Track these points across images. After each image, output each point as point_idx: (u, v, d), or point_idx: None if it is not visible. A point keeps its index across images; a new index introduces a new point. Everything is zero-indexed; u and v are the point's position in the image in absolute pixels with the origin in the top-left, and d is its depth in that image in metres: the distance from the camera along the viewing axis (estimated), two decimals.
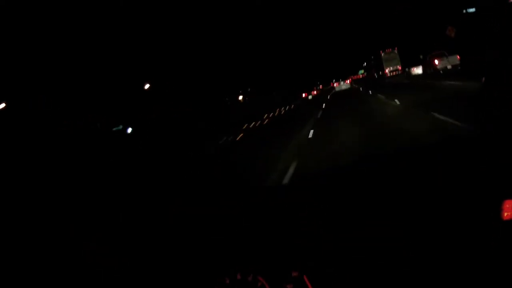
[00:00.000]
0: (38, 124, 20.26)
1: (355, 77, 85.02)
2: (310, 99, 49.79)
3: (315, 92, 63.82)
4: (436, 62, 26.62)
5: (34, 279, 1.84)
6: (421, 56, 40.28)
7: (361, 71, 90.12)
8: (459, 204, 1.43)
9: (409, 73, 36.08)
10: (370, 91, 26.45)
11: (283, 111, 32.43)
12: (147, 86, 29.55)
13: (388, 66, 47.25)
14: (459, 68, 24.46)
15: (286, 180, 6.49)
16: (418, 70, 34.17)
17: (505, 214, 1.31)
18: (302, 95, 56.88)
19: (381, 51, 48.16)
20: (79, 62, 24.15)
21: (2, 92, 19.36)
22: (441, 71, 25.86)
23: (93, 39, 24.78)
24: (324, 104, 27.64)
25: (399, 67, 46.18)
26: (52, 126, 21.29)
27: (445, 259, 1.37)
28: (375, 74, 56.92)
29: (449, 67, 25.67)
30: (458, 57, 25.32)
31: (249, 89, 57.20)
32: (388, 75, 46.71)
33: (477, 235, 1.36)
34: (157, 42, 31.86)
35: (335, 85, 59.18)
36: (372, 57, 59.97)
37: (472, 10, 33.21)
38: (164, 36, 32.72)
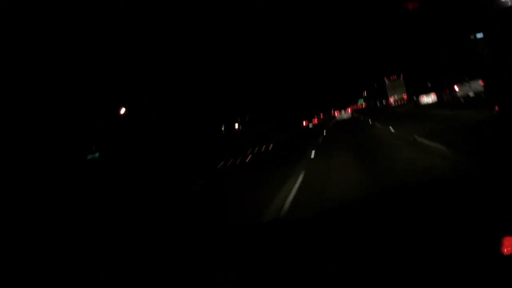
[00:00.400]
0: (38, 124, 19.57)
1: (354, 106, 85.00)
2: (311, 128, 49.59)
3: (316, 121, 64.10)
4: (457, 88, 25.57)
5: (35, 279, 1.84)
6: (429, 84, 39.70)
7: (361, 101, 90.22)
8: (461, 235, 1.44)
9: (418, 102, 34.97)
10: (391, 128, 15.49)
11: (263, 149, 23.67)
12: (122, 110, 27.55)
13: (393, 94, 45.39)
14: (483, 95, 23.39)
15: None
16: (428, 99, 32.88)
17: (505, 250, 1.33)
18: (302, 123, 57.48)
19: (385, 78, 47.07)
20: (79, 63, 23.35)
21: (2, 92, 18.61)
22: (461, 99, 24.61)
23: (93, 39, 23.89)
24: (313, 152, 14.27)
25: (405, 96, 44.88)
26: (52, 126, 20.55)
27: (445, 260, 1.36)
28: (377, 103, 56.55)
29: (471, 94, 24.42)
30: (481, 82, 24.04)
31: (247, 117, 56.52)
32: (393, 104, 45.01)
33: (476, 260, 1.33)
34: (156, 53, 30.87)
35: (336, 114, 59.41)
36: (375, 85, 59.70)
37: (480, 35, 32.74)
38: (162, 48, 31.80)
